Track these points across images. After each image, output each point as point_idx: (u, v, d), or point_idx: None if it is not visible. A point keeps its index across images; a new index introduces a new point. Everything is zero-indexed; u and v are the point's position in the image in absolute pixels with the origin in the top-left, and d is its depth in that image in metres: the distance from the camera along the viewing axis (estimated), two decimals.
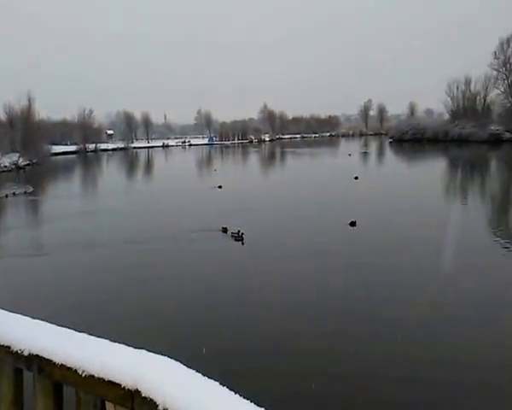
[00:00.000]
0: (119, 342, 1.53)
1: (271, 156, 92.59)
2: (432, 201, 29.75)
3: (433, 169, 50.36)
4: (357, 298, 13.38)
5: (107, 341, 1.59)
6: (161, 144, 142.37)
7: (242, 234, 20.68)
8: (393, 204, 28.78)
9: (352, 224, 22.44)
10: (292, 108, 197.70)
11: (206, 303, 13.46)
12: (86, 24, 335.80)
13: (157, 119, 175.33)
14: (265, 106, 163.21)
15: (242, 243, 20.21)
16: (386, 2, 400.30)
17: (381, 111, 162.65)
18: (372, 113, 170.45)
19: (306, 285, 14.76)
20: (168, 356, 1.36)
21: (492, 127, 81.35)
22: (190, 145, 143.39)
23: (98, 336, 1.60)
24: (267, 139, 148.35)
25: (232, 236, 21.02)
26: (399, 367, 9.36)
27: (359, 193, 33.85)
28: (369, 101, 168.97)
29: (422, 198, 30.02)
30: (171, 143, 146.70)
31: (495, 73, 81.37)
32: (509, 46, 77.76)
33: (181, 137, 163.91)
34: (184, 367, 1.31)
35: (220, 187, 38.60)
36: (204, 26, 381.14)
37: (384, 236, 20.73)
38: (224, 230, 22.09)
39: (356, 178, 40.48)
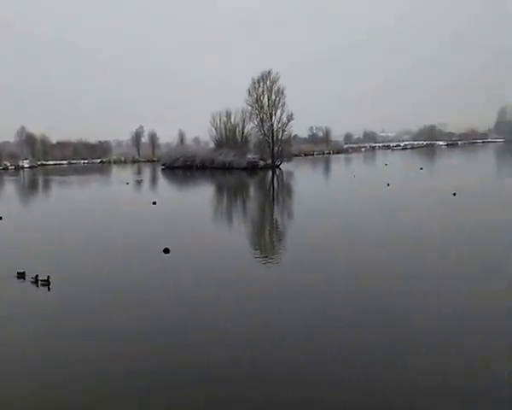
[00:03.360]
0: None
1: (34, 185, 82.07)
2: (219, 220, 33.45)
3: (208, 193, 56.07)
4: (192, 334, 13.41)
5: None
6: None
7: (48, 278, 17.41)
8: (190, 226, 31.14)
9: (166, 251, 22.47)
10: (57, 132, 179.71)
11: None
12: None
13: None
14: (23, 128, 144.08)
15: (48, 289, 17.15)
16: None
17: (153, 138, 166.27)
18: (144, 139, 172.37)
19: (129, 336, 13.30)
20: None
21: (250, 156, 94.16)
22: None
23: None
24: (26, 166, 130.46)
25: (33, 282, 17.52)
26: None
27: (161, 218, 35.14)
28: (141, 127, 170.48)
29: (208, 219, 33.12)
30: None
31: (250, 108, 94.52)
32: (259, 86, 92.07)
33: None
34: None
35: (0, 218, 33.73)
36: None
37: (196, 262, 21.55)
38: (21, 275, 18.20)
39: (154, 203, 41.75)
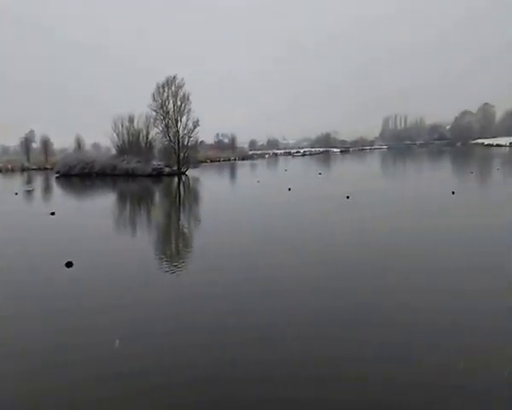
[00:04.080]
0: None
1: None
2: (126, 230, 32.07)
3: (111, 202, 53.78)
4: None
5: None
6: None
7: None
8: (94, 236, 29.17)
9: (69, 264, 21.06)
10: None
11: None
12: None
13: None
14: None
15: None
16: None
17: (46, 143, 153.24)
18: (35, 145, 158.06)
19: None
20: None
21: (154, 162, 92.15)
22: None
23: None
24: None
25: None
26: None
27: (62, 229, 32.88)
28: (32, 132, 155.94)
29: (112, 228, 31.91)
30: None
31: (154, 113, 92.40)
32: (164, 91, 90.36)
33: None
34: None
35: None
36: None
37: (102, 273, 20.57)
38: None
39: (52, 213, 39.42)
